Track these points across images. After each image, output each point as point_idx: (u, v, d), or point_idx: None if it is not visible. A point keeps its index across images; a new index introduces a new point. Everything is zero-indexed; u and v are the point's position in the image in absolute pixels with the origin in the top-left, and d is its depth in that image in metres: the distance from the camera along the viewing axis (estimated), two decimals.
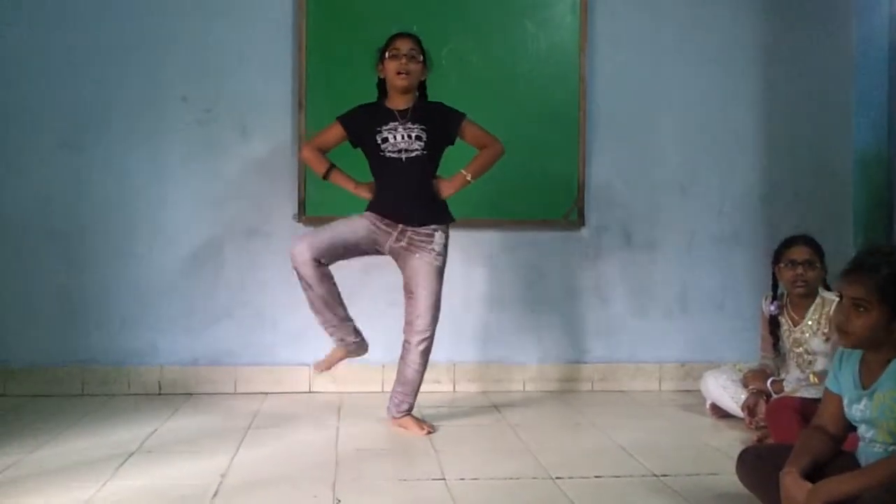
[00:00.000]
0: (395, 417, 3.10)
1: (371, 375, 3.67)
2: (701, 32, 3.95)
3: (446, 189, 3.04)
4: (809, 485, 1.85)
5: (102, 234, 3.64)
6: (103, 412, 3.30)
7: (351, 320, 3.05)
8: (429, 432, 3.01)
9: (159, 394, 3.63)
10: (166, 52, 3.66)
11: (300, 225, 3.71)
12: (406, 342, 3.06)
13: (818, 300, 3.08)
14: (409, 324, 3.04)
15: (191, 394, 3.63)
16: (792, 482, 1.89)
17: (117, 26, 3.63)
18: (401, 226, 2.98)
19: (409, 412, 3.10)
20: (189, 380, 3.66)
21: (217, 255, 3.71)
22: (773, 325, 3.19)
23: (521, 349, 3.87)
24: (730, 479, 2.27)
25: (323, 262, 2.92)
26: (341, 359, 3.08)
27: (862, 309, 1.88)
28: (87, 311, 3.64)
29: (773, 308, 3.18)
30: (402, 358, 3.08)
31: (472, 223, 3.78)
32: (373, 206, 3.02)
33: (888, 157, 3.86)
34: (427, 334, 3.02)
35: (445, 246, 3.05)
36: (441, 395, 3.66)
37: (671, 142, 3.95)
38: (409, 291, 3.04)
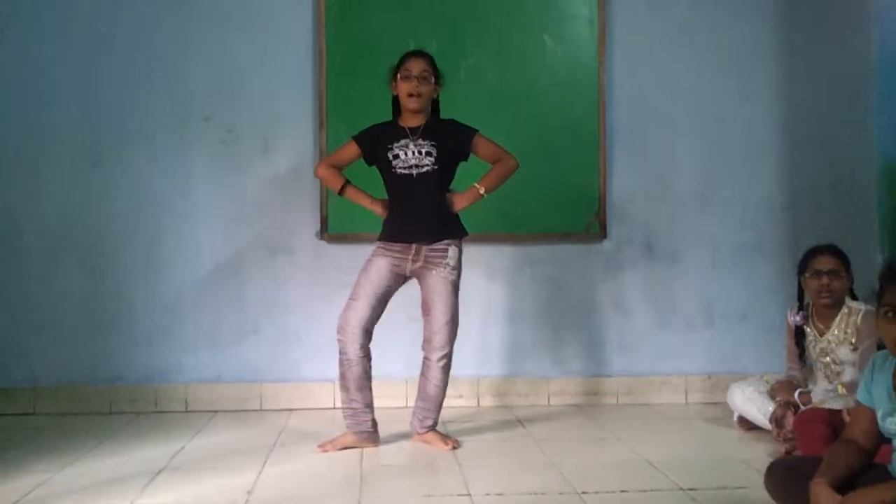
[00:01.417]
0: (419, 433, 3.10)
1: (394, 390, 3.67)
2: (718, 42, 3.94)
3: (459, 202, 3.06)
4: (839, 497, 1.82)
5: (127, 253, 3.70)
6: (130, 430, 3.33)
7: (372, 409, 3.05)
8: (453, 447, 3.01)
9: (186, 411, 3.66)
10: (188, 72, 3.73)
11: (323, 242, 3.73)
12: (426, 359, 3.07)
13: (844, 310, 3.04)
14: (427, 341, 3.05)
15: (217, 411, 3.66)
16: (823, 492, 1.86)
17: (140, 45, 3.70)
18: (414, 245, 3.00)
19: (433, 427, 3.10)
20: (215, 397, 3.69)
21: (241, 272, 3.74)
22: (799, 335, 3.15)
23: (545, 363, 3.86)
24: (758, 492, 2.24)
25: (371, 331, 2.98)
26: (349, 446, 3.01)
27: (892, 315, 1.85)
28: (112, 329, 3.68)
29: (798, 319, 3.14)
30: (423, 374, 3.09)
31: (493, 237, 3.79)
32: (384, 234, 3.05)
33: None
34: (446, 350, 3.03)
35: (459, 260, 3.07)
36: (465, 410, 3.65)
37: (691, 152, 3.94)
38: (426, 309, 3.05)
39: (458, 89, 3.76)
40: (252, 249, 3.75)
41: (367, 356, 3.01)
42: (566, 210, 3.84)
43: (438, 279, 3.01)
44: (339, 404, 3.68)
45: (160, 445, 3.05)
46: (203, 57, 3.73)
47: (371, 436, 3.03)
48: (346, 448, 3.00)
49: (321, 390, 3.73)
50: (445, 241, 3.03)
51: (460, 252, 3.08)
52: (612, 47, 3.88)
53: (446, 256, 3.02)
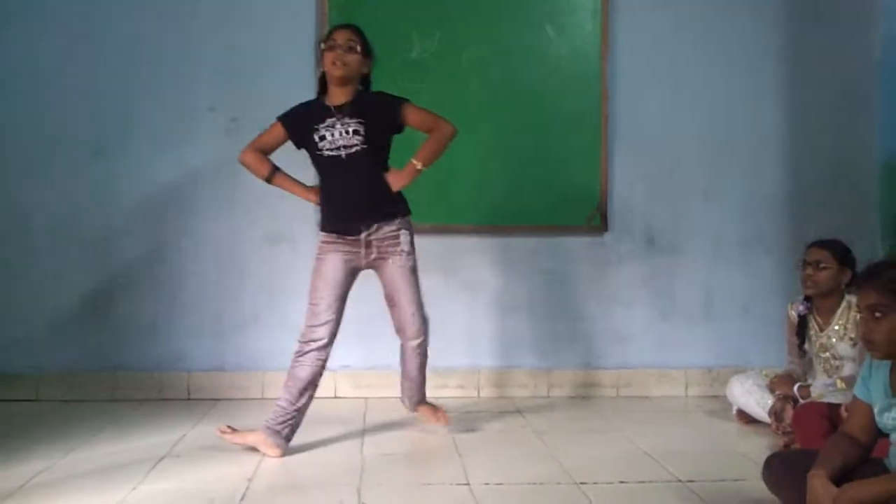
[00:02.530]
0: (410, 408, 3.18)
1: (395, 380, 3.67)
2: (722, 35, 3.93)
3: (396, 181, 2.88)
4: (836, 488, 1.84)
5: (131, 242, 3.71)
6: (133, 417, 3.35)
7: (302, 416, 2.88)
8: (444, 423, 3.07)
9: (188, 399, 3.68)
10: (193, 62, 3.73)
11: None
12: (402, 345, 3.05)
13: (844, 304, 3.05)
14: (400, 330, 3.01)
15: (219, 399, 3.68)
16: (819, 484, 1.87)
17: (145, 36, 3.70)
18: (363, 236, 2.87)
19: (422, 401, 3.14)
20: (217, 385, 3.71)
21: (244, 261, 3.76)
22: (802, 326, 3.16)
23: (545, 355, 3.87)
24: (756, 484, 2.25)
25: (336, 335, 2.89)
26: (252, 445, 2.80)
27: (879, 314, 1.88)
28: (116, 317, 3.70)
29: (801, 308, 3.15)
30: (402, 359, 3.09)
31: (494, 229, 3.80)
32: (328, 224, 2.92)
33: None
34: (421, 338, 3.01)
35: (412, 244, 2.94)
36: (465, 401, 3.67)
37: (693, 146, 3.93)
38: (390, 300, 2.97)
39: (460, 81, 3.78)
40: (254, 238, 3.76)
41: (324, 364, 2.89)
42: (567, 202, 3.84)
43: (396, 269, 2.91)
44: (339, 394, 3.74)
45: (162, 433, 3.07)
46: (208, 47, 3.73)
47: (282, 444, 2.80)
48: (247, 448, 2.81)
49: (322, 379, 3.72)
50: (395, 226, 2.89)
51: (411, 234, 2.94)
52: (615, 39, 3.88)
53: (399, 243, 2.89)
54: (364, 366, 3.75)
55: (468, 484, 2.49)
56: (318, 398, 3.67)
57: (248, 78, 3.74)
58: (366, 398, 3.71)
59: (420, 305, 2.99)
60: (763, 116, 3.96)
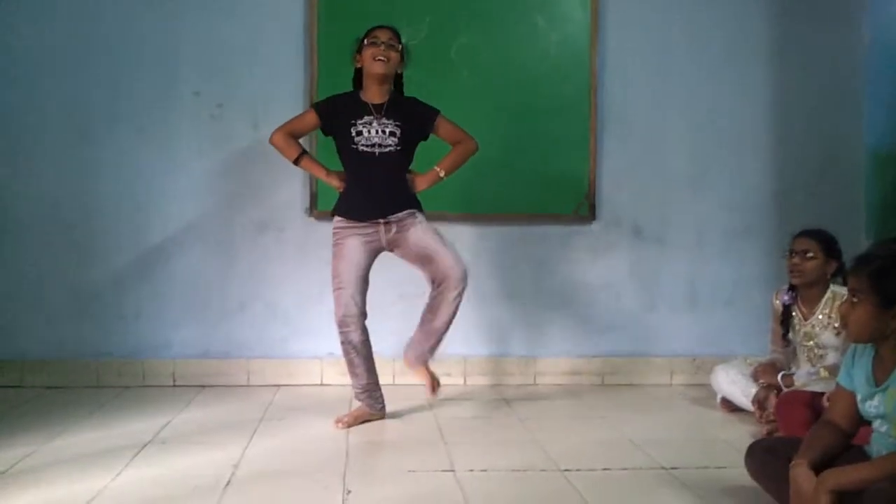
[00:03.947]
0: (411, 363, 3.13)
1: (381, 368, 3.67)
2: (711, 26, 3.94)
3: (420, 184, 3.05)
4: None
5: (115, 228, 3.68)
6: (118, 404, 3.34)
7: (380, 386, 3.11)
8: (435, 389, 3.15)
9: (173, 386, 3.67)
10: (178, 48, 3.69)
11: (311, 219, 3.73)
12: (439, 294, 3.01)
13: (829, 294, 3.07)
14: (441, 281, 2.99)
15: (204, 386, 3.67)
16: (801, 473, 1.89)
17: (130, 20, 3.67)
18: (381, 220, 2.98)
19: (426, 362, 3.14)
20: (202, 372, 3.70)
21: (229, 248, 3.74)
22: (786, 315, 3.18)
23: (532, 343, 3.88)
24: (739, 471, 2.27)
25: (366, 313, 2.98)
26: (365, 420, 3.07)
27: (856, 300, 1.91)
28: (100, 304, 3.68)
29: (786, 298, 3.17)
30: (431, 309, 3.04)
31: (482, 217, 3.80)
32: (344, 210, 3.00)
33: None
34: (463, 284, 3.00)
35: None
36: (452, 389, 3.67)
37: (682, 136, 3.94)
38: (424, 259, 3.01)
39: (449, 69, 3.77)
40: (240, 225, 3.74)
41: (367, 339, 3.02)
42: (555, 191, 3.84)
43: (420, 232, 3.00)
44: (325, 381, 3.74)
45: (147, 419, 3.06)
46: (193, 32, 3.70)
47: (383, 409, 3.12)
48: (364, 421, 3.05)
49: (308, 366, 3.74)
50: (408, 210, 3.02)
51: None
52: (605, 29, 3.87)
53: (416, 217, 3.02)
54: None
55: (453, 471, 2.49)
56: (304, 385, 3.71)
57: (234, 64, 3.72)
58: (352, 386, 3.70)
59: (456, 251, 3.04)
60: (750, 108, 3.98)
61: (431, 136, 3.10)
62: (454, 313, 3.05)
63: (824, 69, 4.00)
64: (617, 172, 3.90)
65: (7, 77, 3.63)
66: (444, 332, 3.07)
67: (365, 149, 2.95)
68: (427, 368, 3.14)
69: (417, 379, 3.18)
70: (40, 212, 3.66)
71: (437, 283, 3.03)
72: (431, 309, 3.05)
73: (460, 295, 3.02)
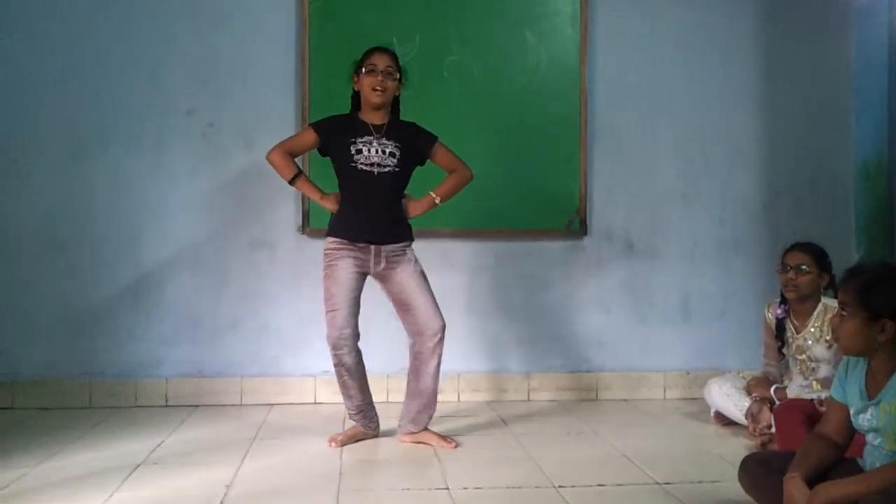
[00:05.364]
0: (411, 433, 3.04)
1: (374, 386, 3.67)
2: (700, 42, 3.98)
3: (414, 209, 3.04)
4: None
5: (108, 247, 3.68)
6: (110, 424, 3.32)
7: (374, 405, 3.10)
8: (455, 445, 2.99)
9: (166, 405, 3.66)
10: (171, 66, 3.71)
11: (304, 237, 3.73)
12: (418, 353, 3.00)
13: (820, 307, 3.08)
14: (418, 334, 2.98)
15: (197, 405, 3.65)
16: (794, 486, 1.90)
17: (123, 40, 3.68)
18: (373, 247, 2.95)
19: (426, 425, 3.05)
20: (195, 391, 3.68)
21: (222, 267, 3.73)
22: (779, 329, 3.19)
23: (525, 359, 3.88)
24: (733, 486, 2.28)
25: (359, 334, 2.96)
26: (359, 439, 3.06)
27: (845, 313, 1.93)
28: (93, 323, 3.67)
29: (779, 312, 3.18)
30: (415, 371, 3.02)
31: (475, 233, 3.81)
32: (341, 231, 2.97)
33: (889, 164, 3.86)
34: (441, 333, 2.97)
35: (417, 260, 3.05)
36: (445, 406, 3.66)
37: (672, 150, 3.97)
38: (404, 306, 3.00)
39: (440, 85, 3.79)
40: (233, 244, 3.74)
41: (361, 360, 2.98)
42: (547, 207, 3.86)
43: (406, 274, 2.98)
44: (319, 400, 3.73)
45: (140, 440, 3.04)
46: (186, 51, 3.71)
47: (377, 428, 3.12)
48: (357, 440, 3.05)
49: (302, 385, 3.73)
50: (402, 244, 3.01)
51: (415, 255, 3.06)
52: (595, 45, 3.90)
53: (405, 255, 3.00)
54: None
55: (447, 488, 2.49)
56: (297, 403, 3.70)
57: (226, 83, 3.73)
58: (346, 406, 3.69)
59: (436, 302, 3.01)
60: (740, 122, 4.01)
61: (428, 162, 3.09)
62: (437, 368, 3.00)
63: (813, 84, 4.04)
64: (608, 187, 3.92)
65: (0, 95, 3.63)
66: (431, 390, 3.02)
67: (364, 167, 2.93)
68: (430, 432, 3.05)
69: (426, 445, 3.02)
70: (32, 231, 3.65)
71: (414, 332, 3.00)
72: (413, 370, 3.04)
73: (437, 347, 2.98)
